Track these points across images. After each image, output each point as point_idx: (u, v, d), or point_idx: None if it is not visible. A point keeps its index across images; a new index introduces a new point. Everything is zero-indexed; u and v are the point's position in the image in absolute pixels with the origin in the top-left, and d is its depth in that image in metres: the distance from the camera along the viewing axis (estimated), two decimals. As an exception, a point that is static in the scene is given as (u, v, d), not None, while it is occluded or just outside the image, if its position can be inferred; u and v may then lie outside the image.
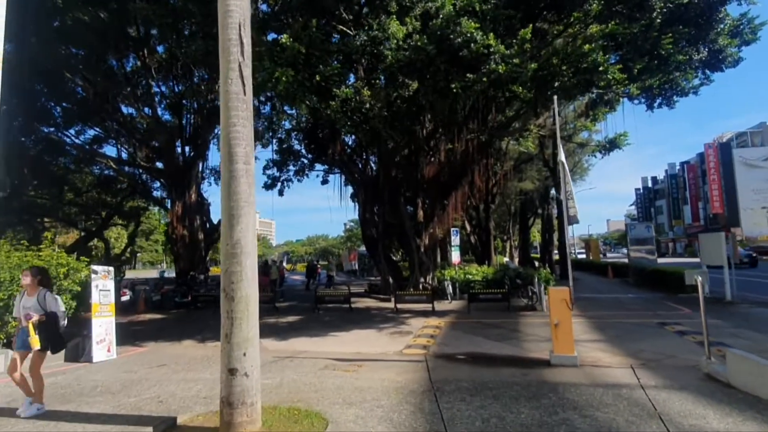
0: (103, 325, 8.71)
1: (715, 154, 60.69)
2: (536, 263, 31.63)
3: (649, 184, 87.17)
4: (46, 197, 22.84)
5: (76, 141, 22.15)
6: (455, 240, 18.18)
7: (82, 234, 27.84)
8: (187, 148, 20.32)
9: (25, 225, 22.54)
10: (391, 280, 18.41)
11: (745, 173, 57.16)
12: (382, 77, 12.58)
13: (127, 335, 11.46)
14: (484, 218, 27.04)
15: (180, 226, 17.79)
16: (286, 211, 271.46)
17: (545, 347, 8.20)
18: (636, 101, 14.69)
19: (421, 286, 17.36)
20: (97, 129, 22.18)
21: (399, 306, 14.16)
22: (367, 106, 12.22)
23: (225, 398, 4.26)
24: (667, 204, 78.40)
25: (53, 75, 18.20)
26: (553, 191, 29.52)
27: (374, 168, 21.77)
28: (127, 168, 23.75)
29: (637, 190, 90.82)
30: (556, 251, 30.44)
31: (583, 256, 45.14)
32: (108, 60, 19.74)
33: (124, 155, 23.17)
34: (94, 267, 8.80)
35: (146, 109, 20.33)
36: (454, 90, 10.54)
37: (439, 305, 14.94)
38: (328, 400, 5.50)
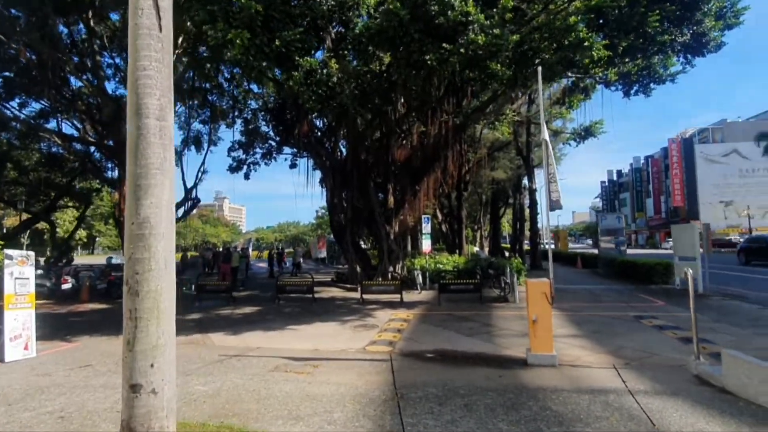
0: (19, 319, 7.45)
1: (678, 149, 62.57)
2: (506, 253, 31.52)
3: (615, 177, 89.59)
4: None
5: (20, 114, 20.04)
6: (426, 228, 17.46)
7: (29, 217, 25.60)
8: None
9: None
10: (358, 268, 17.56)
11: (705, 168, 59.24)
12: (351, 48, 11.51)
13: (60, 328, 10.18)
14: (456, 206, 26.46)
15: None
16: (257, 196, 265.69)
17: (520, 343, 7.55)
18: (613, 87, 14.25)
19: (390, 276, 16.60)
20: (43, 102, 20.05)
21: (365, 296, 13.33)
22: (335, 80, 11.18)
23: (125, 422, 3.29)
24: (631, 196, 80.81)
25: None
26: (525, 180, 29.26)
27: (343, 151, 20.72)
28: (78, 146, 21.73)
29: (602, 182, 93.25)
30: (527, 241, 30.31)
31: (552, 246, 45.56)
32: (53, 26, 17.71)
33: (70, 131, 21.20)
34: (8, 252, 7.50)
35: (94, 81, 18.46)
36: (429, 62, 9.64)
37: (408, 296, 14.22)
38: (271, 413, 4.60)
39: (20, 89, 19.07)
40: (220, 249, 29.33)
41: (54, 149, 22.89)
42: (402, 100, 16.09)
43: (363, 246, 20.79)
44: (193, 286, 14.86)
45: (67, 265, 19.70)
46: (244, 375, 6.17)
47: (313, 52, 11.48)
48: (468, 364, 6.62)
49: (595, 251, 25.17)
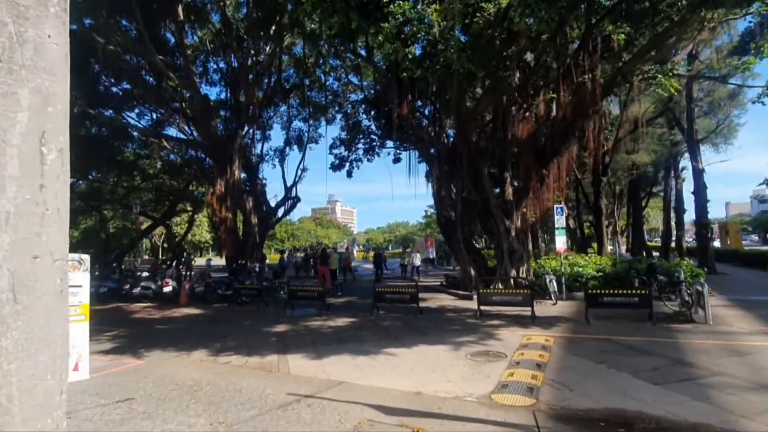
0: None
1: None
2: (653, 252, 25.62)
3: (794, 157, 71.56)
4: (112, 182, 22.52)
5: (138, 123, 21.29)
6: (560, 221, 13.83)
7: (151, 222, 27.69)
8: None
9: (88, 211, 22.45)
10: (472, 272, 14.67)
11: None
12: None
13: (141, 338, 9.27)
14: (594, 195, 21.77)
15: (221, 208, 15.61)
16: (369, 198, 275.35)
17: (758, 404, 4.15)
18: None
19: (512, 282, 13.45)
20: (160, 110, 20.97)
21: (483, 308, 10.47)
22: (435, 31, 8.62)
23: None
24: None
25: (110, 53, 16.84)
26: (686, 159, 23.18)
27: (451, 137, 18.01)
28: (192, 152, 22.58)
29: (775, 164, 75.32)
30: (690, 238, 24.05)
31: (717, 243, 36.37)
32: (162, 34, 18.16)
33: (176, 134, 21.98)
34: (54, 254, 6.36)
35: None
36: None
37: (541, 308, 11.01)
38: None
39: (138, 99, 19.81)
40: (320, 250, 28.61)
41: (172, 156, 24.12)
42: (523, 62, 12.87)
43: (476, 245, 17.74)
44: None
45: (185, 267, 20.16)
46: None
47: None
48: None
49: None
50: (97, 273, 17.50)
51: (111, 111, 19.17)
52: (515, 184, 15.97)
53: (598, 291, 9.86)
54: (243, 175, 20.69)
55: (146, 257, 43.92)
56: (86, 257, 6.82)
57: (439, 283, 16.71)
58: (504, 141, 15.36)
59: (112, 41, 15.63)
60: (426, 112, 19.57)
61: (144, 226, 28.73)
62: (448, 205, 16.49)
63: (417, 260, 21.62)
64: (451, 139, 17.21)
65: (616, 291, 9.66)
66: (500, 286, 13.68)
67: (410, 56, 9.10)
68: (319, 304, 12.00)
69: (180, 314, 12.29)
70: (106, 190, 23.29)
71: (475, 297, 13.37)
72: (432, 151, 16.78)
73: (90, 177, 22.46)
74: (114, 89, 19.99)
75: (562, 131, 13.16)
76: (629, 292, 9.61)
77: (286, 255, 27.45)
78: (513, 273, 14.03)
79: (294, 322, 10.70)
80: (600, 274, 12.71)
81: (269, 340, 8.82)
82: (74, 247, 35.19)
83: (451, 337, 8.58)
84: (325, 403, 5.15)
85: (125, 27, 17.27)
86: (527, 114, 14.30)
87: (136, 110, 20.01)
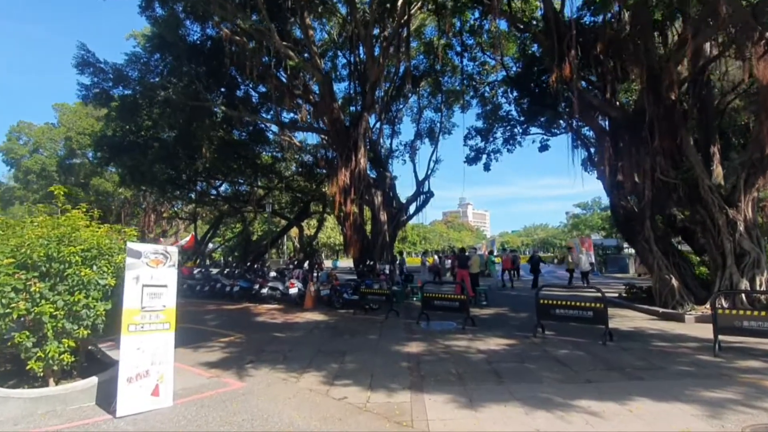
0: (145, 349, 4.88)
1: None
2: None
3: None
4: (249, 185, 23.38)
5: (272, 127, 21.56)
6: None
7: (286, 224, 28.30)
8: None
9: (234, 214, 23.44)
10: (674, 281, 10.46)
11: None
12: None
13: (253, 350, 7.87)
14: None
15: (346, 201, 14.01)
16: (501, 201, 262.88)
17: None
18: None
19: (743, 297, 9.08)
20: (293, 112, 20.89)
21: (724, 339, 6.67)
22: None
23: None
24: None
25: (241, 54, 16.92)
26: None
27: (627, 105, 13.85)
28: (322, 151, 22.20)
29: None
30: None
31: None
32: (290, 29, 17.68)
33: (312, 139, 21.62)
34: (133, 246, 5.05)
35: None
36: None
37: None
38: None
39: (270, 99, 19.66)
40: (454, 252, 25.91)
41: (306, 158, 24.11)
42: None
43: (675, 244, 13.09)
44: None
45: (317, 268, 19.51)
46: None
47: None
48: None
49: None
50: (236, 272, 17.79)
51: (249, 114, 19.38)
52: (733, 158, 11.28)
53: None
54: (372, 173, 19.40)
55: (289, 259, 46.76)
56: (173, 250, 5.41)
57: (617, 296, 12.66)
58: (705, 99, 10.88)
59: (241, 33, 15.25)
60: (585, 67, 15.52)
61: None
62: (628, 192, 12.46)
63: (587, 264, 17.27)
64: (629, 106, 13.11)
65: None
66: (747, 307, 9.46)
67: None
68: (462, 317, 9.44)
69: (302, 320, 10.93)
70: (245, 192, 24.40)
71: (686, 317, 9.38)
72: (604, 123, 12.93)
73: (233, 180, 23.63)
74: (252, 93, 20.37)
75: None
76: None
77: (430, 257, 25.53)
78: (744, 284, 9.57)
79: (430, 338, 8.33)
80: None
81: (399, 365, 6.57)
82: (230, 251, 39.02)
83: (687, 387, 5.22)
84: None
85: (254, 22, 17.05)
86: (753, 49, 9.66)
87: (271, 112, 20.06)
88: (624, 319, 9.92)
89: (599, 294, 7.78)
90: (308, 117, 17.95)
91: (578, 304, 8.02)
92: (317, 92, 16.55)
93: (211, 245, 38.87)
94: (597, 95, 13.39)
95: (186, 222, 38.34)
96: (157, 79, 18.21)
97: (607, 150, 13.06)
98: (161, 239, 38.43)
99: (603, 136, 13.27)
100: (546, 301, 8.27)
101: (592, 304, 7.81)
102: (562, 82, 11.86)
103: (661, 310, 10.13)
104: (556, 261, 41.73)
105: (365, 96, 15.27)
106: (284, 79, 16.21)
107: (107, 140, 19.77)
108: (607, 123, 13.14)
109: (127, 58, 18.05)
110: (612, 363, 6.34)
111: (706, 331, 8.24)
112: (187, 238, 35.98)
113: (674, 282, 10.46)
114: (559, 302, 8.11)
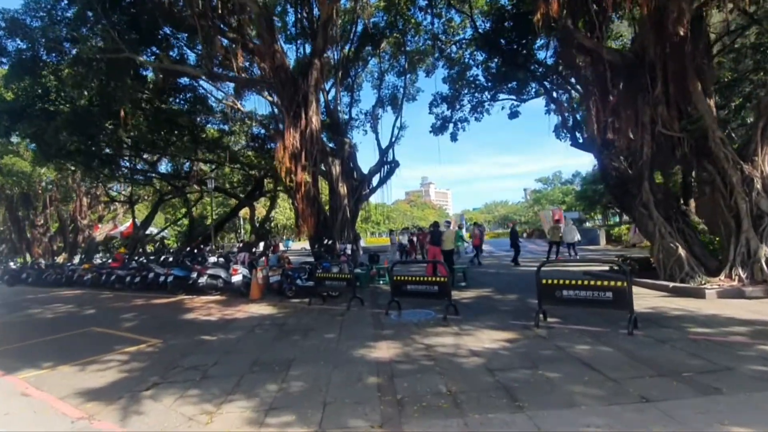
0: None
1: None
2: None
3: None
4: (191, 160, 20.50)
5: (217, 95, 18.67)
6: None
7: (237, 203, 25.59)
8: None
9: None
10: (681, 250, 9.03)
11: None
12: None
13: (166, 361, 5.67)
14: None
15: (297, 168, 11.48)
16: (462, 181, 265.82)
17: None
18: None
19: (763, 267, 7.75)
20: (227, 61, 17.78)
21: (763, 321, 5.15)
22: None
23: None
24: None
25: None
26: None
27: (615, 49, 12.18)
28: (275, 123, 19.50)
29: None
30: None
31: None
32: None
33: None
34: None
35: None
36: None
37: None
38: None
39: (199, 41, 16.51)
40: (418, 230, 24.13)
41: (255, 131, 21.41)
42: None
43: (682, 208, 11.66)
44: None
45: (270, 251, 17.11)
46: None
47: None
48: None
49: None
50: (171, 259, 15.16)
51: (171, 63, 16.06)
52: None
53: None
54: (331, 144, 17.03)
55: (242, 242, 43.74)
56: None
57: (608, 269, 11.21)
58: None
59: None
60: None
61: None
62: (622, 151, 10.91)
63: (576, 234, 16.09)
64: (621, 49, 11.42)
65: None
66: (734, 272, 8.28)
67: None
68: (440, 303, 7.58)
69: (244, 314, 8.71)
70: (188, 170, 21.45)
71: (707, 293, 7.94)
72: (589, 68, 11.21)
73: (173, 156, 20.60)
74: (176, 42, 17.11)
75: None
76: None
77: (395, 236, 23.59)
78: (763, 250, 8.23)
79: (405, 334, 6.39)
80: None
81: (365, 382, 4.58)
82: (183, 236, 35.51)
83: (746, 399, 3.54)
84: None
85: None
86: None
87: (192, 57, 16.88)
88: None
89: (622, 267, 6.07)
90: (245, 65, 15.16)
91: (593, 283, 6.30)
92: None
93: (160, 231, 35.28)
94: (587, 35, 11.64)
95: (125, 206, 34.45)
96: (64, 30, 14.96)
97: (594, 105, 11.43)
98: (97, 225, 34.43)
99: (590, 87, 11.59)
100: (549, 281, 6.49)
101: (611, 283, 6.10)
102: (550, 20, 9.99)
103: (671, 284, 8.66)
104: (525, 235, 41.61)
105: (315, 38, 12.66)
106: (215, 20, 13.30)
107: (6, 105, 16.29)
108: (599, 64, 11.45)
109: (25, 3, 14.73)
110: (658, 364, 4.62)
111: (738, 309, 6.78)
112: (127, 224, 32.37)
113: (681, 251, 9.03)
114: (566, 282, 6.35)
